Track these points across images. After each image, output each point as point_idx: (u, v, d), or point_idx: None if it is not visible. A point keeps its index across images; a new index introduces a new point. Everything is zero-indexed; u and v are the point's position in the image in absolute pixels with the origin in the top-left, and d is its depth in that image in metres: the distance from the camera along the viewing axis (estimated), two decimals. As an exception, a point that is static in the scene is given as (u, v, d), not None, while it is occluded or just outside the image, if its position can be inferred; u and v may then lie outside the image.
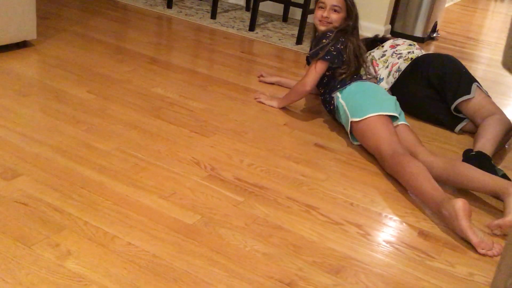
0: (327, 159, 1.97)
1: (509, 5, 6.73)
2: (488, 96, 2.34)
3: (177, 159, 1.81)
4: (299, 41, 3.41)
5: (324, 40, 2.16)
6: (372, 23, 3.75)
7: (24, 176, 1.58)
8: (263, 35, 3.50)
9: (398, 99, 2.55)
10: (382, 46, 2.70)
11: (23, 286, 1.18)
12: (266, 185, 1.73)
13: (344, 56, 2.16)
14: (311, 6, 3.40)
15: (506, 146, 2.27)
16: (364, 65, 2.28)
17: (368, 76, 2.65)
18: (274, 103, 2.36)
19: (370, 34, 2.88)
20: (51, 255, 1.28)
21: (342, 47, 2.16)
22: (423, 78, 2.41)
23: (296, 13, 4.01)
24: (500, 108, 2.30)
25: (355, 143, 2.09)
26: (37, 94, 2.16)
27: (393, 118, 2.02)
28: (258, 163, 1.86)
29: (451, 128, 2.39)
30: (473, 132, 2.31)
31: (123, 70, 2.54)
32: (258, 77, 2.70)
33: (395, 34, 3.92)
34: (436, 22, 4.07)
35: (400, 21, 3.95)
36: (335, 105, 2.17)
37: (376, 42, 2.79)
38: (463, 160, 1.97)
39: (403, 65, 2.50)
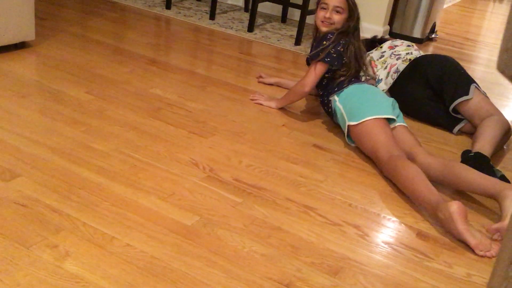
0: (326, 160, 1.97)
1: (508, 6, 6.74)
2: (487, 97, 2.34)
3: (176, 160, 1.81)
4: (297, 42, 3.41)
5: (325, 42, 2.16)
6: (370, 24, 3.76)
7: (22, 177, 1.58)
8: (262, 36, 3.50)
9: (396, 100, 2.56)
10: (381, 47, 2.70)
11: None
12: (265, 186, 1.73)
13: (345, 58, 2.16)
14: (310, 7, 3.40)
15: (504, 147, 2.28)
16: (364, 68, 2.28)
17: (367, 77, 2.65)
18: (273, 104, 2.36)
19: (368, 35, 2.88)
20: (49, 256, 1.28)
21: (342, 49, 2.16)
22: (422, 79, 2.41)
23: (295, 14, 4.01)
24: (499, 109, 2.30)
25: (352, 144, 2.09)
26: (35, 95, 2.16)
27: (390, 120, 2.02)
28: (257, 164, 1.86)
29: (450, 129, 2.40)
30: (471, 133, 2.32)
31: (122, 71, 2.54)
32: (257, 78, 2.70)
33: (393, 35, 3.93)
34: (434, 23, 4.08)
35: (399, 22, 3.95)
36: (333, 108, 2.17)
37: (374, 43, 2.80)
38: (462, 161, 1.97)
39: (402, 66, 2.51)
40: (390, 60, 2.59)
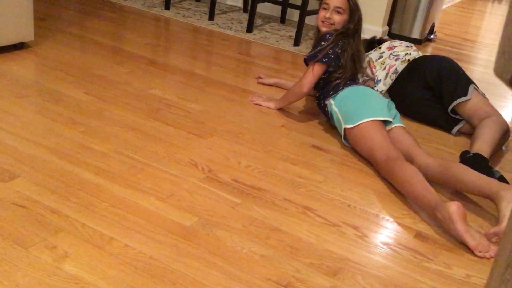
0: (325, 161, 1.97)
1: (506, 7, 6.75)
2: (485, 97, 2.34)
3: (175, 160, 1.81)
4: (296, 42, 3.41)
5: (323, 43, 2.16)
6: (369, 24, 3.76)
7: (21, 178, 1.58)
8: (261, 37, 3.51)
9: (395, 101, 2.56)
10: (379, 48, 2.71)
11: (20, 288, 1.17)
12: (264, 186, 1.73)
13: (341, 60, 2.16)
14: (309, 8, 3.40)
15: (503, 148, 2.28)
16: (362, 71, 2.27)
17: (366, 78, 2.65)
18: (271, 105, 2.36)
19: (367, 36, 2.88)
20: (48, 257, 1.28)
21: (340, 51, 2.16)
22: (420, 80, 2.41)
23: (293, 14, 4.01)
24: (497, 109, 2.30)
25: (348, 145, 2.08)
26: (34, 95, 2.16)
27: (386, 122, 2.01)
28: (256, 165, 1.86)
29: (448, 130, 2.40)
30: (470, 133, 2.32)
31: (121, 72, 2.54)
32: (256, 78, 2.71)
33: (392, 35, 3.93)
34: (433, 23, 4.08)
35: (398, 22, 3.96)
36: (330, 112, 2.17)
37: (373, 43, 2.80)
38: (460, 162, 1.97)
39: (400, 67, 2.51)
40: (389, 61, 2.59)
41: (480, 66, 3.65)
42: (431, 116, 2.42)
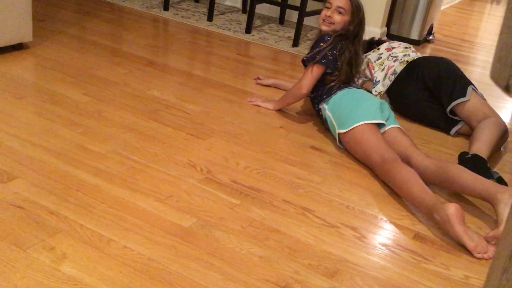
0: (323, 162, 1.97)
1: (505, 8, 6.75)
2: (484, 99, 2.34)
3: (173, 161, 1.81)
4: (295, 43, 3.41)
5: (322, 44, 2.16)
6: (368, 25, 3.75)
7: (19, 179, 1.58)
8: (260, 38, 3.51)
9: (394, 102, 2.57)
10: (378, 49, 2.71)
11: (18, 290, 1.17)
12: (262, 187, 1.73)
13: (338, 62, 2.15)
14: (308, 9, 3.41)
15: (501, 149, 2.28)
16: (357, 76, 2.27)
17: (364, 79, 2.65)
18: (270, 106, 2.36)
19: (366, 37, 2.88)
20: (46, 258, 1.27)
21: (337, 53, 2.15)
22: (419, 81, 2.41)
23: (292, 15, 4.02)
24: (496, 110, 2.30)
25: (343, 147, 2.08)
26: (32, 96, 2.15)
27: (380, 123, 2.01)
28: (254, 166, 1.86)
29: (447, 131, 2.40)
30: (468, 134, 2.32)
31: (119, 73, 2.54)
32: (255, 79, 2.71)
33: (391, 36, 3.93)
34: (432, 24, 4.08)
35: (396, 23, 3.96)
36: (324, 117, 2.17)
37: (372, 44, 2.80)
38: (459, 163, 1.98)
39: (399, 68, 2.51)
40: (388, 62, 2.59)
41: (479, 67, 3.66)
42: (430, 117, 2.42)
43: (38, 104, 2.09)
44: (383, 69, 2.59)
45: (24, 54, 2.60)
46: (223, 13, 4.02)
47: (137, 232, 1.42)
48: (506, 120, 2.68)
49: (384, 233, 1.59)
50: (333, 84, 2.15)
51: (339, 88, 2.14)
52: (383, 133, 2.00)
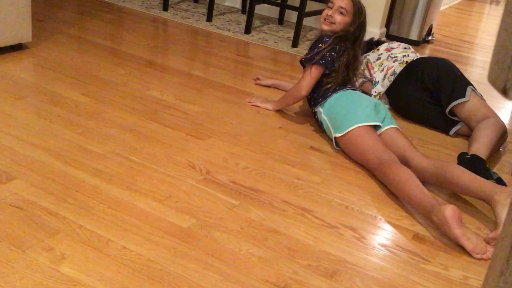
0: (322, 162, 1.97)
1: (504, 8, 6.75)
2: (483, 99, 2.34)
3: (173, 162, 1.81)
4: (295, 44, 3.41)
5: (320, 45, 2.15)
6: (367, 26, 3.76)
7: (18, 180, 1.58)
8: (259, 38, 3.51)
9: (393, 102, 2.57)
10: (378, 49, 2.71)
11: (17, 290, 1.17)
12: (262, 188, 1.73)
13: (336, 64, 2.15)
14: (307, 9, 3.41)
15: (500, 150, 2.28)
16: (355, 78, 2.26)
17: (364, 79, 2.65)
18: (269, 106, 2.36)
19: (365, 37, 2.89)
20: (45, 259, 1.27)
21: (336, 54, 2.15)
22: (418, 82, 2.41)
23: (292, 16, 4.02)
24: (495, 111, 2.30)
25: (339, 149, 2.08)
26: (32, 97, 2.15)
27: (376, 125, 2.00)
28: (254, 166, 1.86)
29: (446, 131, 2.40)
30: (467, 135, 2.32)
31: (119, 73, 2.54)
32: (254, 80, 2.71)
33: (390, 37, 3.93)
34: (431, 25, 4.09)
35: (396, 24, 3.96)
36: (319, 120, 2.17)
37: (371, 45, 2.80)
38: (458, 164, 1.98)
39: (398, 69, 2.51)
40: (387, 62, 2.59)
41: (478, 68, 3.66)
42: (429, 117, 2.43)
43: (37, 105, 2.09)
44: (382, 70, 2.59)
45: (23, 54, 2.60)
46: (222, 14, 4.03)
47: (136, 233, 1.42)
48: (506, 120, 2.68)
49: (383, 234, 1.59)
50: (329, 86, 2.14)
51: (334, 91, 2.13)
52: (380, 134, 2.00)
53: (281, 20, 3.97)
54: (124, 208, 1.51)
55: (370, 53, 2.71)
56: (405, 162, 1.89)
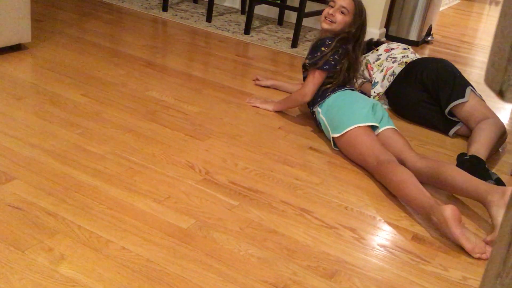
0: (322, 163, 1.97)
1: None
2: (482, 100, 2.35)
3: (172, 162, 1.81)
4: (294, 44, 3.41)
5: (323, 48, 2.13)
6: (367, 26, 3.76)
7: (17, 180, 1.58)
8: (258, 39, 3.51)
9: (392, 103, 2.57)
10: (377, 50, 2.71)
11: (16, 291, 1.17)
12: (261, 189, 1.73)
13: (338, 66, 2.15)
14: (307, 10, 3.41)
15: (500, 150, 2.28)
16: (355, 79, 2.26)
17: (363, 80, 2.65)
18: (269, 107, 2.36)
19: (365, 38, 2.89)
20: (44, 259, 1.27)
21: (338, 57, 2.14)
22: (417, 82, 2.41)
23: (291, 16, 4.02)
24: (494, 111, 2.31)
25: (337, 149, 2.07)
26: (31, 97, 2.15)
27: (374, 126, 2.00)
28: (253, 167, 1.86)
29: (445, 132, 2.40)
30: (467, 135, 2.32)
31: (118, 73, 2.54)
32: (254, 80, 2.71)
33: (389, 37, 3.94)
34: (430, 25, 4.09)
35: (395, 24, 3.96)
36: (318, 120, 2.17)
37: (370, 45, 2.80)
38: (457, 164, 1.98)
39: (398, 69, 2.51)
40: (386, 63, 2.60)
41: (477, 68, 3.66)
42: (428, 118, 2.43)
43: (37, 105, 2.09)
44: (382, 70, 2.59)
45: (23, 55, 2.60)
46: (222, 14, 4.03)
47: (135, 233, 1.42)
48: (505, 121, 2.68)
49: (383, 234, 1.59)
50: (328, 86, 2.14)
51: (333, 91, 2.13)
52: (377, 135, 2.00)
53: (280, 21, 3.97)
54: (123, 209, 1.51)
55: (370, 53, 2.71)
56: (401, 163, 1.89)
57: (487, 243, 1.56)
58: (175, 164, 1.80)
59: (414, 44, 3.89)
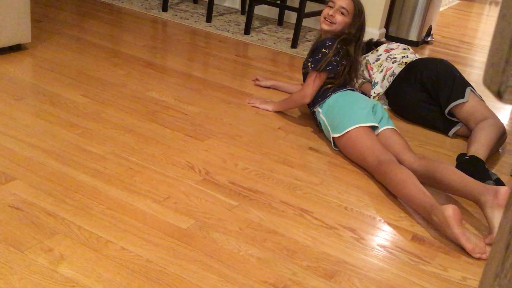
0: (322, 163, 1.97)
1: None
2: (482, 100, 2.35)
3: (172, 163, 1.81)
4: (294, 44, 3.41)
5: (324, 50, 2.13)
6: (367, 26, 3.75)
7: (17, 181, 1.58)
8: (258, 39, 3.51)
9: (392, 103, 2.57)
10: (377, 50, 2.71)
11: (16, 292, 1.17)
12: (261, 189, 1.73)
13: (338, 68, 2.15)
14: (306, 10, 3.41)
15: (499, 150, 2.28)
16: (355, 79, 2.26)
17: (363, 80, 2.65)
18: (269, 107, 2.36)
19: (364, 38, 2.89)
20: (44, 260, 1.27)
21: (339, 59, 2.14)
22: (417, 82, 2.42)
23: (291, 16, 4.02)
24: (494, 112, 2.31)
25: (337, 149, 2.08)
26: (31, 97, 2.15)
27: (374, 126, 2.00)
28: (253, 167, 1.86)
29: (445, 132, 2.40)
30: (466, 136, 2.32)
31: (118, 74, 2.54)
32: (254, 80, 2.71)
33: (389, 38, 3.94)
34: (430, 26, 4.09)
35: (395, 25, 3.96)
36: (318, 120, 2.17)
37: (370, 46, 2.80)
38: (457, 164, 1.98)
39: (398, 70, 2.51)
40: (386, 63, 2.60)
41: (477, 69, 3.66)
42: (428, 118, 2.43)
43: (37, 106, 2.09)
44: (381, 71, 2.59)
45: (23, 55, 2.60)
46: (222, 14, 4.03)
47: (135, 234, 1.42)
48: (505, 121, 2.68)
49: (382, 235, 1.59)
50: (329, 86, 2.14)
51: (334, 91, 2.13)
52: (376, 135, 2.00)
53: (280, 21, 3.97)
54: (123, 209, 1.51)
55: (369, 54, 2.71)
56: (400, 163, 1.89)
57: (487, 244, 1.56)
58: (175, 165, 1.80)
59: (414, 44, 3.89)
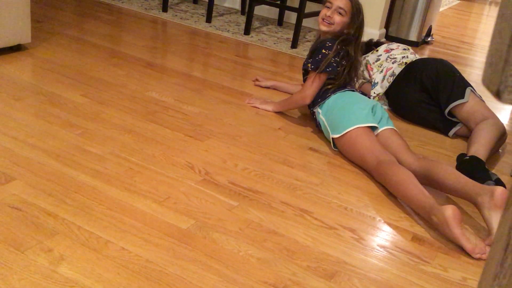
0: (322, 164, 1.97)
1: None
2: (482, 100, 2.35)
3: (172, 163, 1.81)
4: (294, 45, 3.41)
5: (324, 51, 2.13)
6: (366, 27, 3.75)
7: (17, 181, 1.58)
8: (258, 39, 3.51)
9: (392, 104, 2.57)
10: (377, 51, 2.71)
11: (16, 292, 1.17)
12: (261, 189, 1.73)
13: (338, 68, 2.15)
14: (306, 10, 3.41)
15: (499, 151, 2.28)
16: (355, 79, 2.26)
17: (363, 80, 2.65)
18: (269, 107, 2.36)
19: (364, 38, 2.89)
20: (44, 260, 1.27)
21: (339, 59, 2.14)
22: (417, 83, 2.42)
23: (291, 17, 4.02)
24: (494, 112, 2.31)
25: (337, 149, 2.07)
26: (30, 98, 2.15)
27: (373, 126, 2.00)
28: (253, 167, 1.86)
29: (445, 132, 2.40)
30: (466, 136, 2.32)
31: (118, 74, 2.54)
32: (253, 81, 2.71)
33: (389, 38, 3.94)
34: (430, 26, 4.09)
35: (395, 25, 3.96)
36: (317, 121, 2.17)
37: (370, 46, 2.80)
38: (457, 165, 1.98)
39: (398, 70, 2.51)
40: (386, 63, 2.60)
41: (477, 69, 3.66)
42: (428, 118, 2.43)
43: (36, 106, 2.09)
44: (381, 71, 2.59)
45: (22, 55, 2.60)
46: (221, 15, 4.03)
47: (135, 234, 1.42)
48: (505, 121, 2.68)
49: (382, 235, 1.59)
50: (329, 87, 2.14)
51: (334, 92, 2.13)
52: (376, 135, 2.00)
53: (280, 21, 3.97)
54: (123, 209, 1.51)
55: (369, 54, 2.71)
56: (399, 163, 1.88)
57: (487, 245, 1.56)
58: (175, 165, 1.80)
59: (414, 44, 3.89)
